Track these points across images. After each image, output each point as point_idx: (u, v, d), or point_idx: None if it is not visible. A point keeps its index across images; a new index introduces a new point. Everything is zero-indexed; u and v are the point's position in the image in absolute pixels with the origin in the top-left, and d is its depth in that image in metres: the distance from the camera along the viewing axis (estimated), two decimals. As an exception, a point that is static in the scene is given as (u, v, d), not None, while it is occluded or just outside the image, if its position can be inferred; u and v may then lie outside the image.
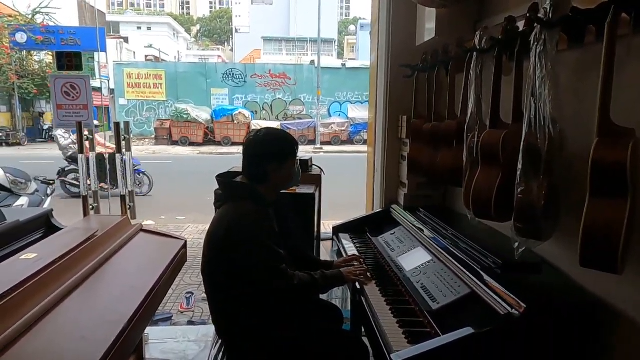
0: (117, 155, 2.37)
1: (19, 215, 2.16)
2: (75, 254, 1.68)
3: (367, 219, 2.65)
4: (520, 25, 1.40)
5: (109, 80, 19.42)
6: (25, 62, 17.49)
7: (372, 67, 2.93)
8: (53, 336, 1.28)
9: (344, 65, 21.69)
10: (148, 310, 1.62)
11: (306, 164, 2.51)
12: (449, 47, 1.96)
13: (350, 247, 2.30)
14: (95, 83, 15.35)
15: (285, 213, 2.16)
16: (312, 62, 21.20)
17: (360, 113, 19.25)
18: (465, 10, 2.05)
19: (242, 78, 20.30)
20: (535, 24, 1.19)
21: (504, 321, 1.22)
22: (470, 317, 1.35)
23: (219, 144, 17.61)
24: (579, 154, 1.18)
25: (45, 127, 19.05)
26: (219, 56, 42.75)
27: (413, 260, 1.89)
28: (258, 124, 18.41)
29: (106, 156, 2.45)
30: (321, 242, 2.64)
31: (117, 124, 2.30)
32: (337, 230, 2.55)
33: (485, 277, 1.42)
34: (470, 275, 1.48)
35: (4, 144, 16.66)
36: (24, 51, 16.75)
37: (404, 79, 2.34)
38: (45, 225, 2.27)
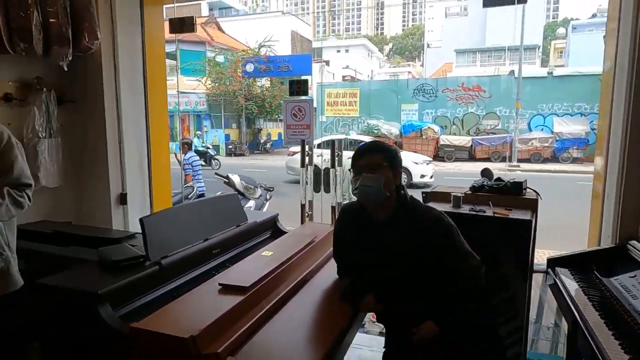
0: (331, 170, 2.63)
1: (254, 217, 2.60)
2: (301, 256, 1.93)
3: (593, 254, 2.26)
4: None
5: (312, 100, 21.95)
6: (251, 88, 21.23)
7: (606, 74, 2.51)
8: (285, 327, 1.47)
9: (550, 73, 19.18)
10: (361, 315, 1.74)
11: (520, 186, 2.28)
12: None
13: (571, 285, 1.99)
14: (301, 103, 17.62)
15: (497, 239, 2.03)
16: (512, 72, 19.47)
17: (568, 127, 16.65)
18: None
19: (432, 93, 20.10)
20: None
21: None
22: None
23: (406, 158, 17.85)
24: None
25: (262, 141, 22.74)
26: (409, 72, 43.41)
27: (668, 314, 1.52)
28: (447, 139, 17.92)
29: (322, 169, 2.75)
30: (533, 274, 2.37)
31: (332, 142, 2.57)
32: (553, 262, 2.25)
33: None
34: None
35: (232, 155, 20.55)
36: (250, 78, 20.38)
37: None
38: (272, 227, 2.67)
